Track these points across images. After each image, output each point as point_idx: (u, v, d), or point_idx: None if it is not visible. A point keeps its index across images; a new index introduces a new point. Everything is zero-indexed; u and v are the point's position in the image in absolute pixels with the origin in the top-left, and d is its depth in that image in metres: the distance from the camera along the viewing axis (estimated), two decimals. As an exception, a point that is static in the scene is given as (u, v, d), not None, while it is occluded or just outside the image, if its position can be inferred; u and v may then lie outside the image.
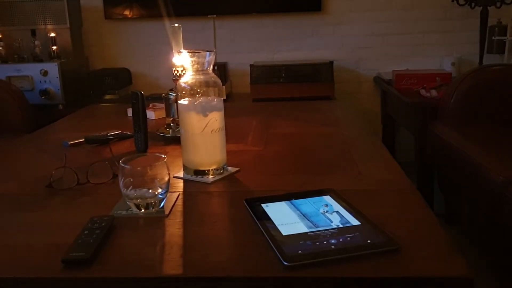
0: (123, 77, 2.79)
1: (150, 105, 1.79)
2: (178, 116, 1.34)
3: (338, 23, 2.77)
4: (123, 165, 0.84)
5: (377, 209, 0.82)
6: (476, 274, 0.65)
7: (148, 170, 0.85)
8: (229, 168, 1.06)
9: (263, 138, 1.33)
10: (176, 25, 1.32)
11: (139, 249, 0.72)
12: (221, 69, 2.69)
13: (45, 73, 2.44)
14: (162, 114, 1.57)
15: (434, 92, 2.06)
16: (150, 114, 1.68)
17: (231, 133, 1.06)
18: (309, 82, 2.42)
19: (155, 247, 0.73)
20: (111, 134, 1.38)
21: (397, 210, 0.83)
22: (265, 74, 2.50)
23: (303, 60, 2.71)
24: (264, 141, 1.30)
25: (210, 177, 1.01)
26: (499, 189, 1.37)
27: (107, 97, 2.68)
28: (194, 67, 1.01)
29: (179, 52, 1.34)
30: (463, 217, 1.89)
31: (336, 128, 1.43)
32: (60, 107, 2.49)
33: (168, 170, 0.87)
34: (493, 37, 2.53)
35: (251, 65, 2.54)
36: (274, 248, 0.69)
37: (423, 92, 2.13)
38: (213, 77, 1.03)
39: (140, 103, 1.21)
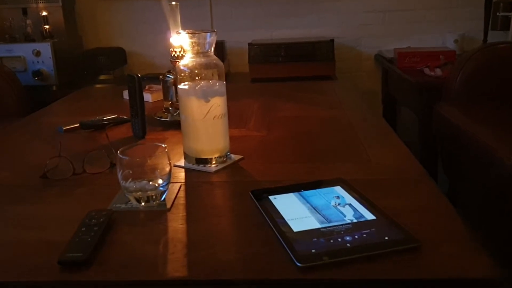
0: (117, 56, 2.71)
1: (147, 87, 1.73)
2: (176, 100, 1.29)
3: (339, -1, 2.69)
4: (121, 156, 0.79)
5: (390, 200, 0.78)
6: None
7: (148, 161, 0.80)
8: (232, 155, 1.01)
9: (265, 122, 1.28)
10: (174, 3, 1.26)
11: (140, 248, 0.67)
12: (218, 47, 2.61)
13: (37, 54, 2.36)
14: (160, 96, 1.51)
15: (438, 71, 2.01)
16: (147, 97, 1.61)
17: (232, 117, 1.00)
18: (309, 61, 2.36)
19: (158, 245, 0.68)
20: (107, 119, 1.33)
21: (411, 201, 0.79)
22: (264, 53, 2.43)
23: (302, 38, 2.63)
24: (266, 126, 1.24)
25: (213, 165, 0.96)
26: (508, 173, 1.33)
27: (102, 77, 2.61)
28: (194, 49, 0.95)
29: (177, 32, 1.28)
30: (468, 200, 1.85)
31: (340, 110, 1.38)
32: (54, 88, 2.42)
33: (169, 160, 0.82)
34: (497, 13, 2.46)
35: (249, 44, 2.46)
36: (285, 246, 0.65)
37: (427, 71, 2.07)
38: (215, 59, 0.97)
39: (137, 87, 1.16)
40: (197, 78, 0.96)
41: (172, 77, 1.31)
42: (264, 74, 2.35)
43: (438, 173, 2.12)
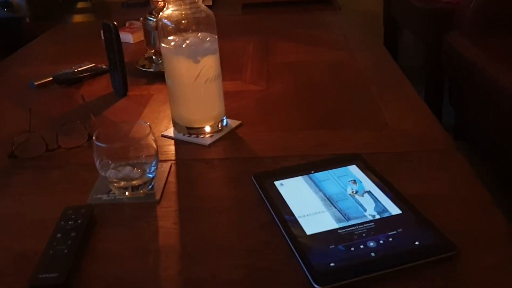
0: (95, -19, 2.46)
1: (127, 24, 1.55)
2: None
3: None
4: (98, 143, 0.66)
5: (414, 184, 0.67)
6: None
7: (130, 147, 0.68)
8: (229, 121, 0.88)
9: (263, 72, 1.13)
10: None
11: (127, 262, 0.57)
12: (205, -32, 2.37)
13: (4, -19, 2.12)
14: (142, 35, 1.35)
15: (449, -5, 1.82)
16: (128, 37, 1.45)
17: (225, 63, 0.85)
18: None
19: (147, 257, 0.58)
20: (83, 70, 1.17)
21: (439, 185, 0.67)
22: (255, -25, 2.19)
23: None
24: (265, 76, 1.10)
25: (207, 136, 0.84)
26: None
27: (80, 5, 2.39)
28: (178, -2, 0.79)
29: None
30: (476, 134, 1.76)
31: (348, 52, 1.23)
32: (27, 20, 2.20)
33: (155, 141, 0.69)
34: None
35: (239, -36, 2.22)
36: (297, 257, 0.55)
37: (436, -6, 1.88)
38: (203, 9, 0.81)
39: (114, 38, 1.00)
40: (183, 33, 0.81)
41: (154, 19, 1.14)
42: (257, -1, 2.14)
43: (443, 104, 2.01)
